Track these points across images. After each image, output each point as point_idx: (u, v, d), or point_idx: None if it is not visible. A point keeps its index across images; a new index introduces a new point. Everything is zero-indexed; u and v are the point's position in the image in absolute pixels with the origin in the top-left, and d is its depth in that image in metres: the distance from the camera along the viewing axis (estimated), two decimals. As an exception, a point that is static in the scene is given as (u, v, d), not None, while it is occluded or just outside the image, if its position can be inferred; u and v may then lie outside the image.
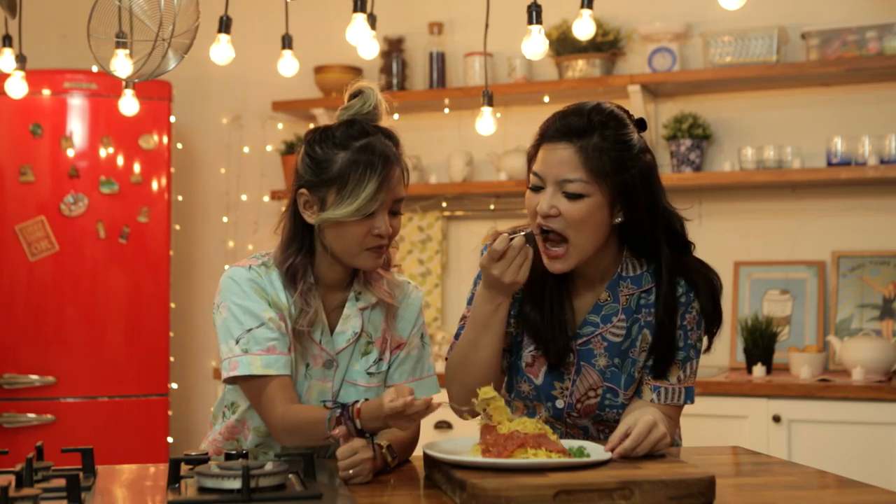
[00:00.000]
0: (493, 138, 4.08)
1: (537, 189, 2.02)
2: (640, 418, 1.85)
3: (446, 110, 4.74)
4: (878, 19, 4.05)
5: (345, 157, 1.99)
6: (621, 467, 1.70)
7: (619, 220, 2.03)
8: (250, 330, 2.00)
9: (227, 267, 2.08)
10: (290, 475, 1.72)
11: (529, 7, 2.60)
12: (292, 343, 2.04)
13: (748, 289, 4.28)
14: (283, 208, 2.13)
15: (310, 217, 2.03)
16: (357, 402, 1.84)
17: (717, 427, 3.73)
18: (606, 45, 4.41)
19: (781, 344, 4.04)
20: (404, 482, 1.85)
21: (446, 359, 2.16)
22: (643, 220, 2.04)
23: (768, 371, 3.92)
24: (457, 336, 2.14)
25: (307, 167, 2.04)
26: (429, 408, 1.77)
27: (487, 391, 1.80)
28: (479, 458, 1.72)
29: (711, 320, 2.11)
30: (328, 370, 2.08)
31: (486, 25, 2.98)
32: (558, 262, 2.02)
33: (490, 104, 3.30)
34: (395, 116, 4.77)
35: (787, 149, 4.15)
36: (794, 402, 3.66)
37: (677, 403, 2.11)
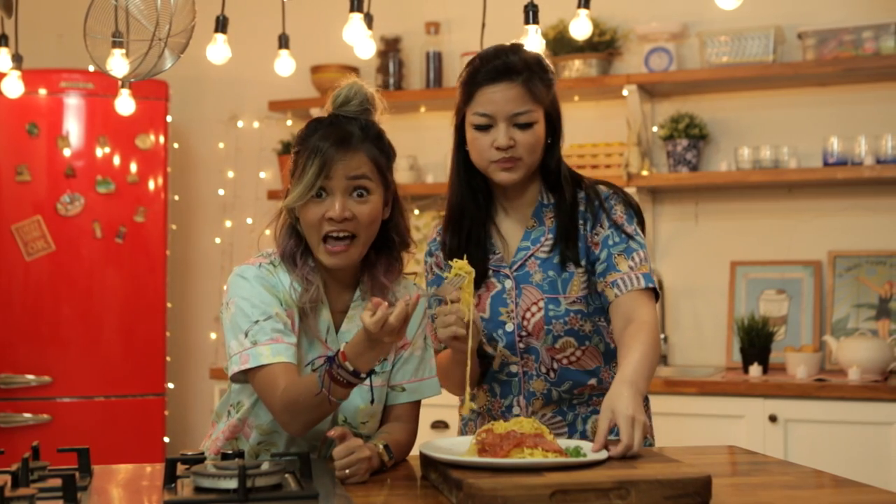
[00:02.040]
0: (489, 138, 4.08)
1: (485, 128, 2.16)
2: (619, 413, 1.87)
3: (443, 110, 4.74)
4: (874, 19, 4.06)
5: (306, 145, 2.02)
6: (618, 467, 1.70)
7: (549, 140, 2.23)
8: (257, 322, 1.98)
9: (235, 268, 2.08)
10: (287, 475, 1.72)
11: (526, 7, 2.60)
12: (300, 339, 2.03)
13: (744, 288, 4.28)
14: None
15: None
16: (338, 349, 1.84)
17: (713, 427, 3.73)
18: (603, 45, 4.42)
19: (778, 344, 4.05)
20: (401, 482, 1.85)
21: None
22: (557, 141, 2.25)
23: (765, 371, 3.92)
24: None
25: (290, 164, 2.08)
26: (408, 306, 1.79)
27: (462, 265, 1.95)
28: (475, 459, 1.72)
29: (638, 212, 2.27)
30: None
31: (483, 25, 2.98)
32: (507, 174, 2.18)
33: (487, 104, 3.29)
34: (392, 116, 4.79)
35: (783, 149, 4.16)
36: (790, 401, 3.66)
37: (640, 287, 2.16)
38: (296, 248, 2.05)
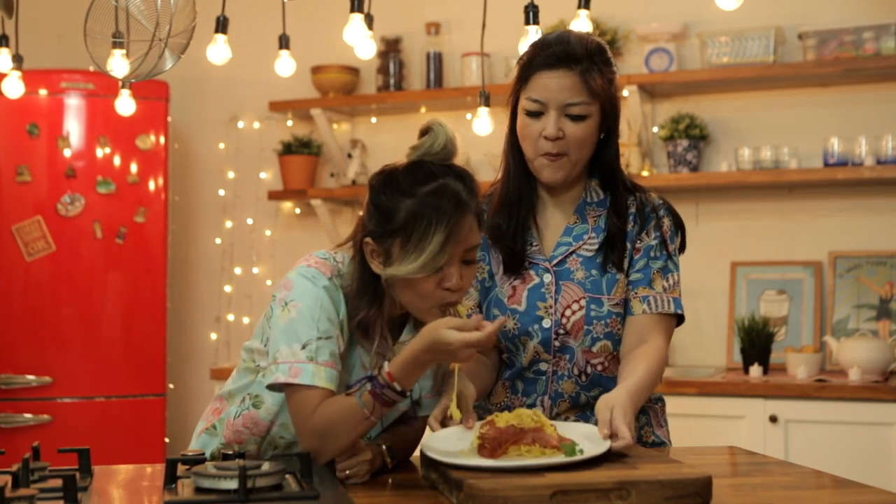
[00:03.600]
0: (490, 138, 4.07)
1: (537, 114, 2.11)
2: (617, 409, 1.86)
3: (443, 110, 4.74)
4: (874, 20, 4.06)
5: (409, 206, 1.82)
6: (618, 467, 1.70)
7: (602, 135, 2.17)
8: (320, 338, 1.86)
9: (302, 263, 1.94)
10: (287, 475, 1.72)
11: (526, 7, 2.60)
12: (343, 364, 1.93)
13: (745, 289, 4.28)
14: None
15: (377, 268, 1.87)
16: (381, 367, 1.80)
17: (713, 427, 3.73)
18: (603, 46, 4.41)
19: (778, 344, 4.04)
20: (401, 482, 1.85)
21: None
22: (614, 139, 2.19)
23: (765, 371, 3.92)
24: None
25: (371, 215, 1.88)
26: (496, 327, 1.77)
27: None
28: (471, 460, 1.71)
29: (683, 231, 2.24)
30: None
31: (483, 26, 2.98)
32: (552, 172, 2.14)
33: (487, 104, 3.30)
34: (392, 117, 4.80)
35: (783, 149, 4.16)
36: (790, 402, 3.66)
37: (668, 311, 2.15)
38: (372, 318, 1.90)
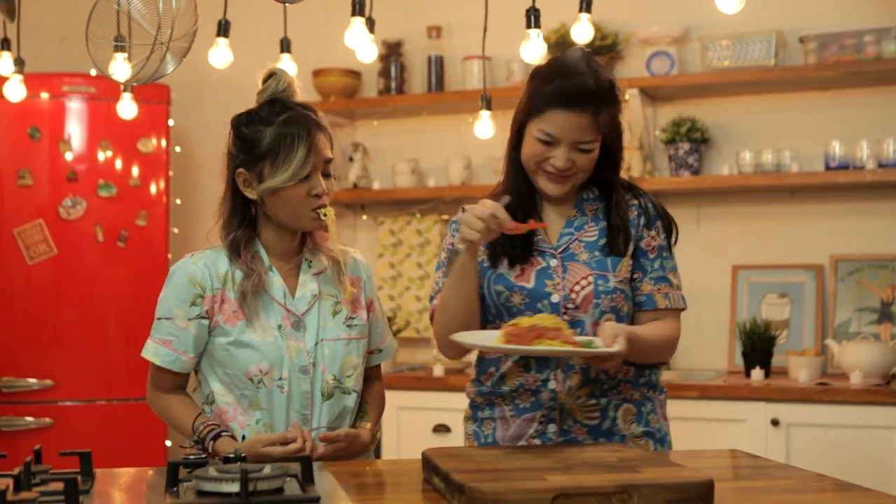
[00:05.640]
0: (491, 142, 4.07)
1: (546, 143, 2.24)
2: (617, 327, 2.11)
3: (445, 114, 4.74)
4: (875, 23, 4.06)
5: (272, 132, 2.19)
6: (620, 471, 1.70)
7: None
8: (160, 319, 2.28)
9: None
10: (289, 478, 1.72)
11: (528, 11, 2.61)
12: (254, 307, 2.22)
13: (746, 292, 4.28)
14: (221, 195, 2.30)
15: (250, 193, 2.22)
16: (220, 434, 2.19)
17: (715, 430, 3.73)
18: (605, 49, 4.42)
19: (780, 347, 4.04)
20: (402, 486, 1.85)
21: (431, 319, 2.35)
22: (615, 156, 2.35)
23: (766, 375, 3.92)
24: (433, 297, 2.35)
25: (239, 148, 2.23)
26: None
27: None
28: (503, 345, 1.99)
29: (677, 231, 2.42)
30: (298, 331, 2.23)
31: (485, 29, 2.99)
32: (555, 186, 2.28)
33: (488, 108, 3.31)
34: (394, 120, 4.79)
35: (785, 153, 4.16)
36: (792, 405, 3.66)
37: (680, 308, 2.36)
38: (241, 237, 2.25)
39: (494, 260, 2.29)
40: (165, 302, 2.29)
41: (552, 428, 2.24)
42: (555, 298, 2.25)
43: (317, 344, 2.24)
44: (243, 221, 2.26)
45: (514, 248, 2.28)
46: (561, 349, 1.97)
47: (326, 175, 2.23)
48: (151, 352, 2.27)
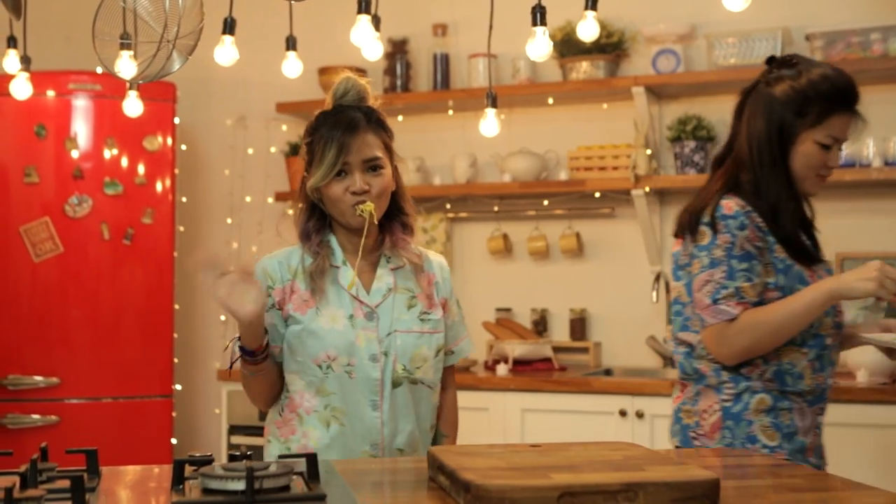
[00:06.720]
0: (496, 140, 4.08)
1: (827, 147, 2.45)
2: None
3: (450, 112, 4.74)
4: (882, 21, 4.05)
5: (317, 136, 2.35)
6: (625, 469, 1.70)
7: None
8: None
9: None
10: (294, 476, 1.72)
11: (533, 9, 2.60)
12: (324, 295, 2.33)
13: (752, 290, 4.27)
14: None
15: (309, 192, 2.38)
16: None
17: (721, 429, 3.72)
18: (610, 47, 4.41)
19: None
20: (408, 484, 1.85)
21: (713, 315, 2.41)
22: None
23: (772, 373, 3.91)
24: (721, 297, 2.39)
25: (304, 154, 2.40)
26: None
27: None
28: None
29: None
30: (370, 321, 2.33)
31: (490, 27, 2.98)
32: (818, 187, 2.52)
33: (494, 106, 3.30)
34: (399, 118, 4.80)
35: (791, 150, 4.15)
36: (798, 404, 3.65)
37: None
38: (312, 227, 2.38)
39: None
40: None
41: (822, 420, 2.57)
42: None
43: (389, 334, 2.33)
44: (313, 216, 2.40)
45: (798, 250, 2.46)
46: None
47: (374, 170, 2.32)
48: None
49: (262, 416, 2.55)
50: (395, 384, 2.32)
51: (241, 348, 2.26)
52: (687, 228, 2.49)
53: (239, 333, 2.24)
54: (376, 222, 2.34)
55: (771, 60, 2.54)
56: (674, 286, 2.55)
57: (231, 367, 2.36)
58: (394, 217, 2.41)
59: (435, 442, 2.46)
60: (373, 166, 2.32)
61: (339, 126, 2.31)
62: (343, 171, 2.30)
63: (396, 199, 2.41)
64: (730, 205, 2.41)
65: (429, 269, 2.45)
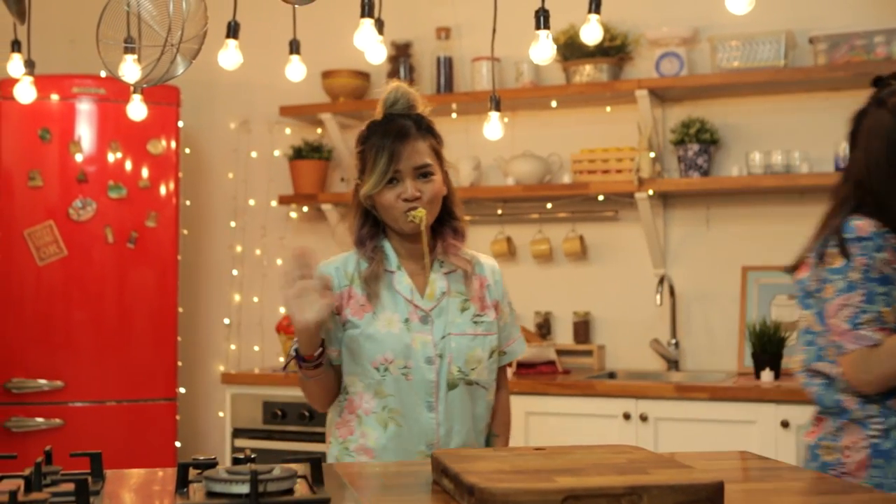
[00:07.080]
0: (500, 143, 4.09)
1: None
2: None
3: (454, 115, 4.74)
4: (886, 24, 4.05)
5: (368, 144, 2.40)
6: (629, 472, 1.70)
7: None
8: None
9: None
10: (298, 479, 1.72)
11: (537, 12, 2.60)
12: (380, 300, 2.38)
13: (756, 294, 4.27)
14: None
15: (362, 200, 2.42)
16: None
17: (725, 432, 3.73)
18: (614, 50, 4.41)
19: (790, 349, 4.03)
20: (412, 487, 1.85)
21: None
22: None
23: (776, 376, 3.91)
24: (860, 324, 2.26)
25: (357, 163, 2.44)
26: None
27: None
28: None
29: None
30: (425, 325, 2.38)
31: (494, 30, 2.98)
32: None
33: (497, 109, 3.29)
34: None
35: (795, 153, 4.15)
36: (802, 407, 3.64)
37: None
38: (367, 234, 2.44)
39: None
40: None
41: None
42: None
43: (443, 337, 2.38)
44: (366, 223, 2.45)
45: None
46: None
47: (425, 177, 2.37)
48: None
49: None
50: (451, 386, 2.37)
51: (297, 352, 2.31)
52: (815, 253, 2.40)
53: (296, 337, 2.29)
54: (427, 228, 2.37)
55: (878, 81, 2.49)
56: (802, 315, 2.44)
57: (285, 368, 2.44)
58: (445, 222, 2.46)
59: (486, 442, 2.49)
60: (423, 173, 2.38)
61: (390, 134, 2.37)
62: (395, 178, 2.35)
63: (447, 205, 2.45)
64: (863, 226, 2.29)
65: (480, 273, 2.50)
